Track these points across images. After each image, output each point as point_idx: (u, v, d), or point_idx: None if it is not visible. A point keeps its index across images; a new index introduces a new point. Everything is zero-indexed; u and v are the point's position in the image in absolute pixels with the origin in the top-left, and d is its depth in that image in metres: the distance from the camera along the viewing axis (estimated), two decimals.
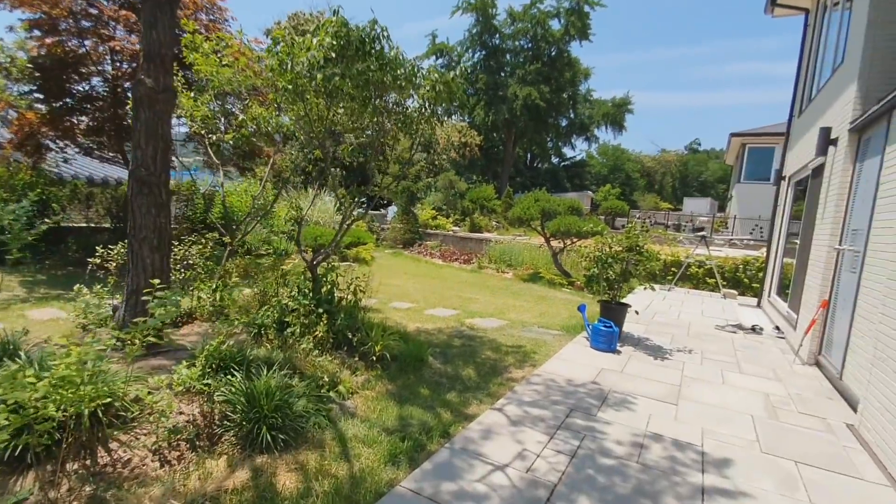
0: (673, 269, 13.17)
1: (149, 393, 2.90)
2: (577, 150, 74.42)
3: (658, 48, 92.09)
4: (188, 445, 2.90)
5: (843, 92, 6.09)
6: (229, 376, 3.25)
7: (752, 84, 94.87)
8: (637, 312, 6.80)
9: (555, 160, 56.58)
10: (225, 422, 3.07)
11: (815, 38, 8.67)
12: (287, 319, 4.57)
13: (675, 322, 8.06)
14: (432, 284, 11.00)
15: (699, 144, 69.86)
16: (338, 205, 15.86)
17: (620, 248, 6.44)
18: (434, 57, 35.70)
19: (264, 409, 3.00)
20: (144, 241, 3.74)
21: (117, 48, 7.68)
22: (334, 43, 4.12)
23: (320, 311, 4.67)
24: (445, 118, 5.55)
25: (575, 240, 12.31)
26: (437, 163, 25.23)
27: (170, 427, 2.90)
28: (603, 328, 5.89)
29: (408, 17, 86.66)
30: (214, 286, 5.59)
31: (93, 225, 11.01)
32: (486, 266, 14.03)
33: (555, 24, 35.02)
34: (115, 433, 2.84)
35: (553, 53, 35.38)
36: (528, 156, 51.68)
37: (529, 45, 35.62)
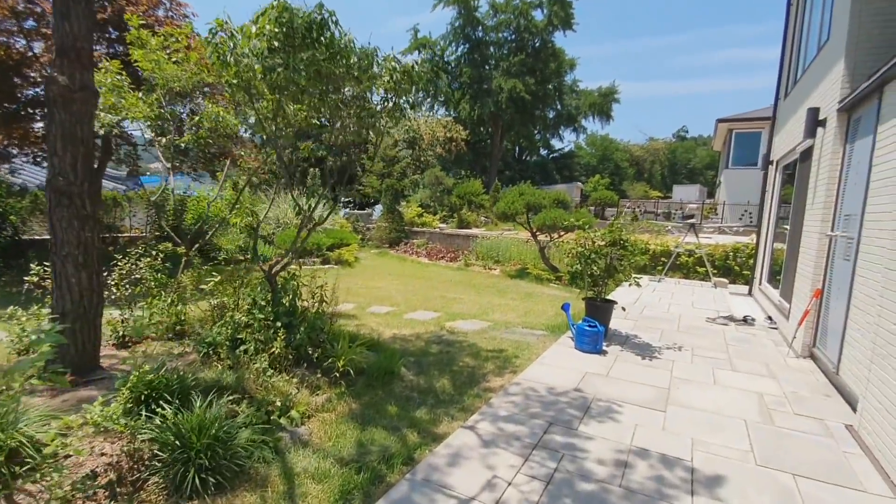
0: (663, 259, 12.91)
1: (61, 434, 2.53)
2: (566, 141, 74.24)
3: (643, 37, 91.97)
4: (107, 493, 2.54)
5: (829, 70, 5.79)
6: (161, 409, 2.89)
7: (738, 70, 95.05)
8: (624, 309, 6.50)
9: (543, 152, 56.35)
10: (154, 462, 2.71)
11: (798, 14, 8.38)
12: (240, 336, 4.20)
13: (664, 316, 7.77)
14: (416, 285, 10.65)
15: (686, 132, 69.90)
16: (309, 206, 15.44)
17: (603, 243, 6.11)
18: (417, 51, 35.19)
19: (195, 446, 2.64)
20: (68, 258, 3.35)
21: None
22: (276, 31, 3.73)
23: (278, 325, 4.31)
24: (411, 111, 5.17)
25: (562, 233, 12.00)
26: (422, 159, 24.82)
27: (86, 473, 2.53)
28: (587, 328, 5.56)
29: (395, 11, 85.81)
30: (170, 300, 5.20)
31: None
32: (473, 263, 13.70)
33: (538, 15, 34.64)
34: (22, 483, 2.47)
35: (537, 44, 34.99)
36: (517, 149, 51.38)
37: (513, 36, 35.20)
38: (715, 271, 12.11)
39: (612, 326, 6.69)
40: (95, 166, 8.78)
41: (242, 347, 4.13)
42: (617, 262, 6.01)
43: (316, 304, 5.17)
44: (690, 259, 12.59)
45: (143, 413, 2.91)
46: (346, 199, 28.58)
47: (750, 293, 10.10)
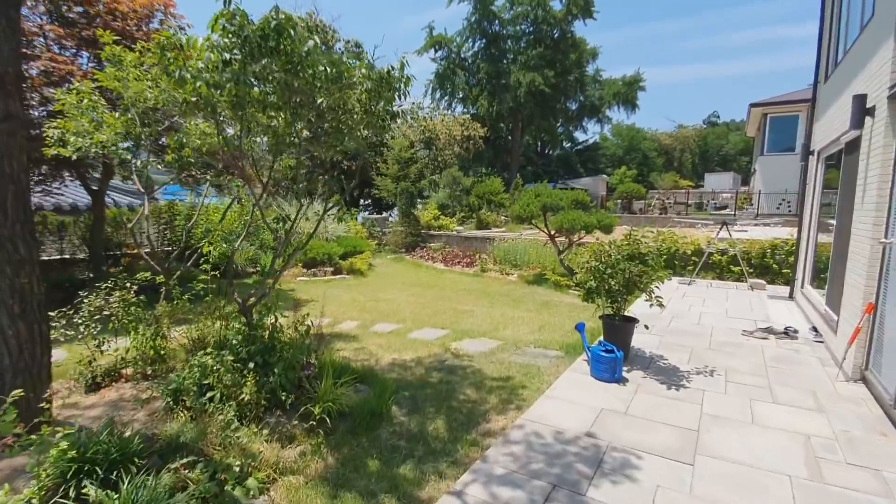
0: (693, 258, 12.06)
1: None
2: (590, 133, 72.54)
3: (664, 19, 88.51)
4: None
5: (876, 51, 5.01)
6: (85, 489, 2.49)
7: (767, 50, 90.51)
8: (647, 327, 5.85)
9: (567, 145, 55.11)
10: None
11: None
12: (207, 381, 3.80)
13: (694, 329, 7.05)
14: (428, 296, 10.17)
15: (718, 117, 67.25)
16: (334, 215, 15.15)
17: (620, 257, 5.48)
18: (433, 49, 34.68)
19: None
20: (1, 308, 3.01)
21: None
22: (227, 41, 3.30)
23: (251, 366, 3.90)
24: (398, 119, 4.69)
25: (583, 234, 11.32)
26: (440, 159, 24.30)
27: None
28: (604, 354, 4.97)
29: (406, 10, 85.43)
30: (148, 334, 4.87)
31: (66, 257, 10.52)
32: (490, 268, 13.13)
33: (556, 5, 33.58)
34: None
35: (556, 35, 33.95)
36: (539, 143, 50.35)
37: (531, 28, 34.25)
38: (751, 271, 11.21)
39: (634, 346, 6.06)
40: (95, 188, 8.41)
41: (209, 394, 3.73)
42: (636, 277, 5.37)
43: (300, 335, 4.74)
44: (724, 258, 11.70)
45: (72, 493, 2.52)
46: (365, 203, 28.40)
47: (791, 296, 9.22)
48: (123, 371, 4.65)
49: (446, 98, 35.64)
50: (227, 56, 3.33)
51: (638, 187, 31.55)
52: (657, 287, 5.46)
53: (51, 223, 10.51)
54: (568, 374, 5.25)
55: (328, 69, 3.62)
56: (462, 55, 35.35)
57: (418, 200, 25.48)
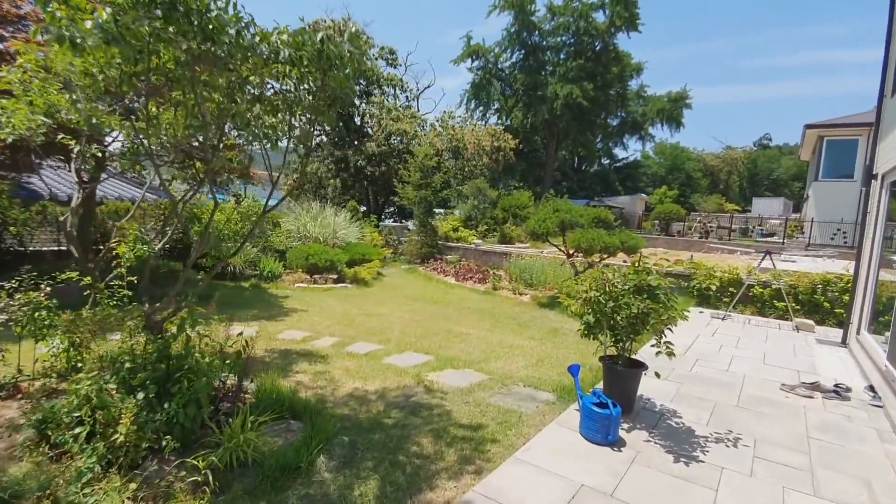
0: (731, 289, 10.77)
1: None
2: (631, 150, 70.42)
3: (716, 38, 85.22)
4: None
5: None
6: None
7: (824, 73, 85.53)
8: (658, 375, 4.79)
9: (605, 162, 53.44)
10: None
11: None
12: (79, 414, 3.08)
13: (722, 377, 5.92)
14: (426, 313, 9.33)
15: (770, 140, 64.04)
16: (346, 221, 14.59)
17: (626, 289, 4.49)
18: (470, 59, 34.16)
19: None
20: None
21: None
22: None
23: (139, 397, 3.16)
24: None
25: (605, 256, 10.26)
26: (466, 169, 23.54)
27: None
28: (596, 408, 3.98)
29: (451, 24, 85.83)
30: (64, 344, 4.24)
31: (63, 248, 10.28)
32: (502, 286, 12.18)
33: (599, 17, 32.49)
34: None
35: (598, 48, 32.81)
36: (576, 159, 48.98)
37: (571, 40, 33.25)
38: (798, 308, 9.82)
39: (644, 394, 5.04)
40: (86, 179, 7.86)
41: (78, 430, 3.01)
42: (643, 315, 4.36)
43: (219, 358, 3.98)
44: (766, 291, 10.36)
45: None
46: (390, 211, 27.91)
47: (844, 342, 7.86)
48: (23, 385, 4.03)
49: (481, 108, 34.98)
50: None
51: (677, 208, 29.83)
52: (670, 329, 4.43)
53: (51, 213, 10.32)
54: (553, 427, 4.28)
55: (242, 36, 2.89)
56: (499, 66, 34.67)
57: (442, 211, 24.79)
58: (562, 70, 31.86)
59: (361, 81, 24.24)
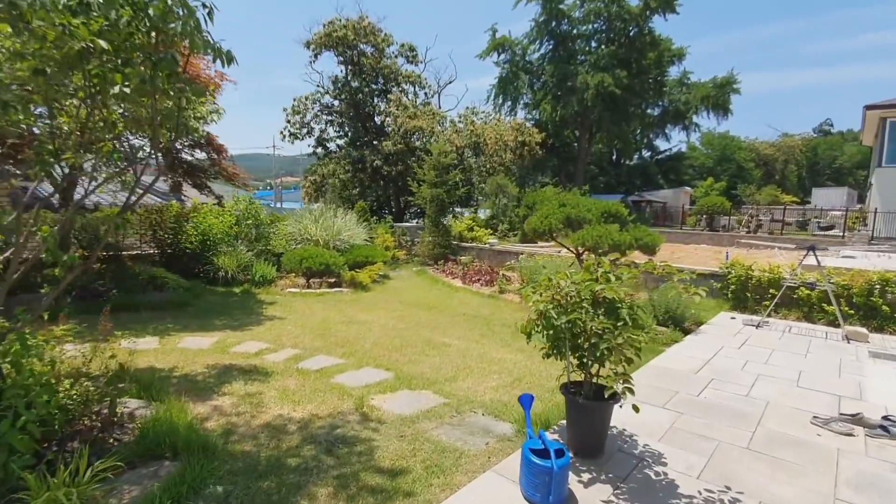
0: (771, 290, 9.35)
1: None
2: (675, 141, 67.15)
3: (772, 23, 79.54)
4: None
5: None
6: None
7: (891, 55, 77.99)
8: (637, 410, 3.68)
9: (646, 154, 50.86)
10: None
11: None
12: None
13: (737, 403, 4.77)
14: (413, 321, 8.53)
15: (831, 125, 59.15)
16: (350, 221, 14.01)
17: (581, 299, 3.49)
18: (496, 53, 33.04)
19: None
20: None
21: None
22: None
23: None
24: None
25: (619, 255, 9.08)
26: (488, 166, 22.55)
27: None
28: (535, 458, 3.03)
29: (479, 20, 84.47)
30: None
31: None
32: (508, 289, 11.21)
33: (632, 0, 30.59)
34: None
35: (631, 33, 30.90)
36: (614, 152, 46.83)
37: (603, 26, 31.51)
38: (852, 312, 8.33)
39: (624, 428, 4.03)
40: (65, 186, 7.36)
41: None
42: (597, 336, 3.34)
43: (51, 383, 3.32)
44: (815, 293, 8.90)
45: None
46: (414, 211, 27.27)
47: None
48: None
49: (509, 103, 33.77)
50: None
51: (721, 200, 27.62)
52: (635, 356, 3.39)
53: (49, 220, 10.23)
54: (489, 478, 3.36)
55: None
56: (527, 58, 33.35)
57: (465, 211, 23.89)
58: (593, 58, 30.23)
59: (380, 80, 23.76)
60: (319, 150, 24.37)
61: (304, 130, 23.71)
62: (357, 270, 12.58)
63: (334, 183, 21.79)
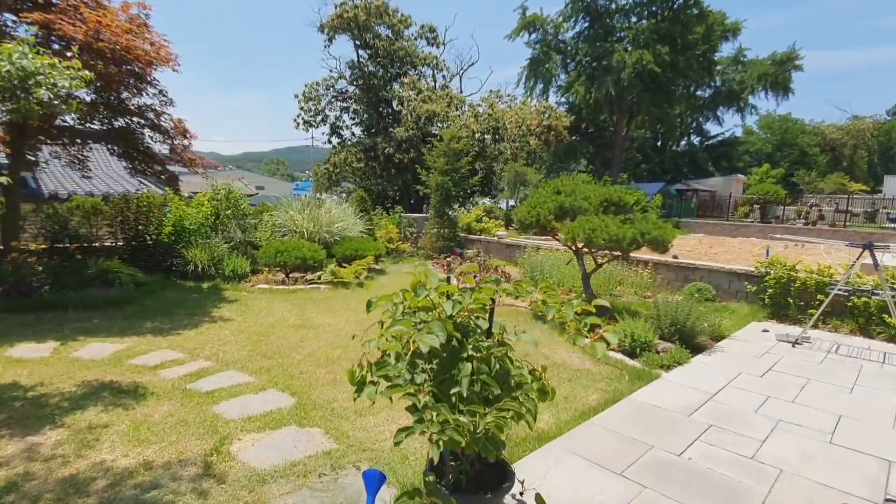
0: (819, 296, 7.63)
1: None
2: (729, 125, 62.69)
3: None
4: None
5: None
6: None
7: None
8: (541, 502, 2.34)
9: (696, 140, 47.33)
10: None
11: None
12: None
13: (732, 471, 3.34)
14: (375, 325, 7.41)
15: None
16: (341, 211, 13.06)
17: (407, 328, 2.23)
18: (526, 33, 31.11)
19: None
20: None
21: None
22: None
23: None
24: None
25: (618, 253, 7.58)
26: (509, 153, 20.99)
27: None
28: None
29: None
30: None
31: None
32: (502, 289, 9.84)
33: None
34: None
35: (675, 5, 28.20)
36: (659, 137, 43.76)
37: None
38: None
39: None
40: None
41: None
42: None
43: None
44: (873, 301, 7.13)
45: None
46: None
47: None
48: None
49: (540, 86, 31.80)
50: None
51: (775, 188, 24.84)
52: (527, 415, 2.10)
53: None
54: None
55: None
56: (560, 37, 31.24)
57: (485, 200, 22.49)
58: (631, 34, 27.84)
59: (395, 63, 22.59)
60: (334, 138, 23.61)
61: (319, 118, 22.95)
62: (345, 265, 11.60)
63: (343, 172, 20.93)
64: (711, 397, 4.59)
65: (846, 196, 25.92)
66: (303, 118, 22.55)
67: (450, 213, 14.73)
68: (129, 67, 7.04)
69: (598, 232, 6.70)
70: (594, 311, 2.39)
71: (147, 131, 8.67)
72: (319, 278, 10.61)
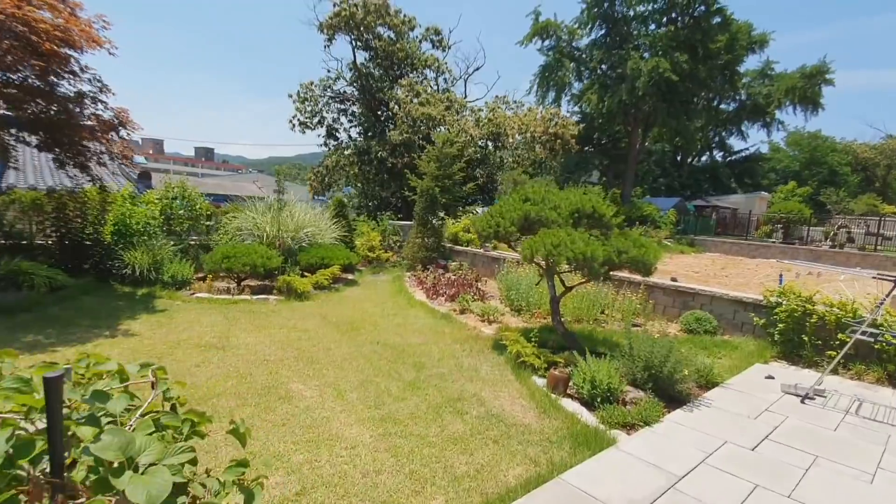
0: (840, 335, 6.30)
1: None
2: (754, 140, 60.63)
3: (877, 12, 69.30)
4: None
5: None
6: None
7: None
8: None
9: (719, 155, 45.43)
10: None
11: None
12: None
13: None
14: (302, 349, 6.32)
15: None
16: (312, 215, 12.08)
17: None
18: (539, 39, 29.94)
19: None
20: None
21: None
22: None
23: None
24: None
25: (587, 278, 6.31)
26: (510, 160, 19.80)
27: None
28: None
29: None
30: None
31: None
32: (470, 310, 8.68)
33: None
34: None
35: (696, 13, 26.74)
36: (679, 152, 42.08)
37: (663, 5, 27.54)
38: None
39: None
40: None
41: None
42: None
43: None
44: None
45: None
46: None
47: None
48: None
49: (552, 94, 30.52)
50: None
51: (799, 207, 23.05)
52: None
53: None
54: None
55: None
56: (574, 44, 30.01)
57: (484, 209, 21.31)
58: (647, 41, 26.47)
59: (395, 65, 21.68)
60: (331, 140, 22.73)
61: (316, 119, 22.15)
62: (307, 274, 10.58)
63: (335, 175, 20.03)
64: (675, 484, 3.34)
65: (878, 218, 23.95)
66: (298, 119, 21.77)
67: (434, 221, 13.60)
68: (26, 43, 6.16)
69: (562, 248, 5.48)
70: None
71: (75, 120, 7.77)
72: (271, 288, 9.59)
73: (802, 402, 5.08)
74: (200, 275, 9.90)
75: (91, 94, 8.21)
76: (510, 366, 5.88)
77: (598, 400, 4.68)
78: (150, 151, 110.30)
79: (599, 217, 6.19)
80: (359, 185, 21.91)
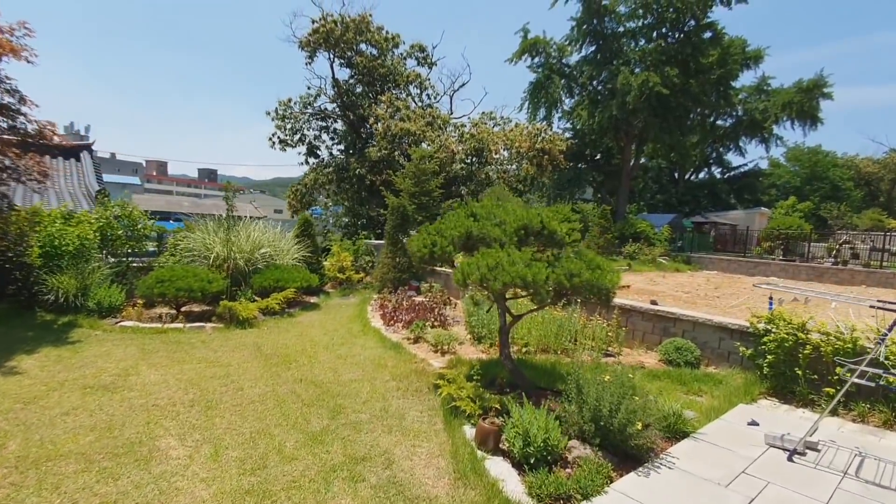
0: (839, 369, 5.37)
1: None
2: (753, 156, 60.37)
3: (878, 29, 69.34)
4: None
5: None
6: None
7: None
8: None
9: (717, 171, 44.69)
10: None
11: None
12: None
13: None
14: (210, 391, 5.42)
15: None
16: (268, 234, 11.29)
17: None
18: (528, 56, 29.54)
19: None
20: None
21: None
22: None
23: None
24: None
25: (537, 306, 5.42)
26: (495, 177, 19.07)
27: None
28: None
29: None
30: None
31: None
32: (425, 339, 7.80)
33: None
34: None
35: (687, 27, 26.29)
36: (676, 168, 41.40)
37: (653, 20, 27.13)
38: None
39: None
40: None
41: None
42: None
43: None
44: None
45: None
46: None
47: None
48: None
49: (543, 111, 30.00)
50: None
51: (799, 222, 22.12)
52: None
53: None
54: None
55: None
56: (563, 61, 29.59)
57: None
58: (637, 56, 25.96)
59: (377, 81, 21.16)
60: (312, 159, 22.11)
61: (297, 137, 21.57)
62: (256, 298, 9.73)
63: (313, 193, 19.33)
64: None
65: (883, 233, 22.94)
66: (279, 136, 21.20)
67: (405, 240, 12.77)
68: None
69: (498, 271, 4.62)
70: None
71: None
72: (210, 314, 8.74)
73: (790, 458, 4.13)
74: (137, 301, 9.07)
75: (10, 105, 7.53)
76: (443, 410, 4.97)
77: (532, 461, 3.76)
78: (154, 173, 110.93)
79: (550, 234, 5.33)
80: (346, 203, 21.21)
